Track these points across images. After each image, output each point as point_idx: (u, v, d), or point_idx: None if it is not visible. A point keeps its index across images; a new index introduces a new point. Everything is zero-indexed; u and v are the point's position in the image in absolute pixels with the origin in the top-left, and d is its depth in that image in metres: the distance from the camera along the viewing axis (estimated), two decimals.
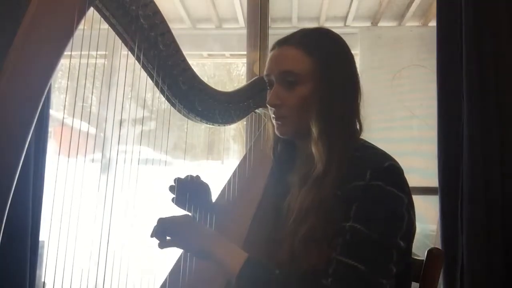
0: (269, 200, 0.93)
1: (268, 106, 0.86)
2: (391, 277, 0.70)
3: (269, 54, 0.87)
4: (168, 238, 0.77)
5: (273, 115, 0.86)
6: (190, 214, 1.05)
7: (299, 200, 0.78)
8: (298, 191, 0.80)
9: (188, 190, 1.00)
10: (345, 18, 2.68)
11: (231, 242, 0.79)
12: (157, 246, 0.77)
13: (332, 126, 0.79)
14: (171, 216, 0.79)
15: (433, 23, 1.93)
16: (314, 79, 0.80)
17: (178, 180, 1.00)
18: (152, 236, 0.77)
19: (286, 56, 0.83)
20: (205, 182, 1.06)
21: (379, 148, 0.81)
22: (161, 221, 0.78)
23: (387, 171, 0.73)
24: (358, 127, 0.84)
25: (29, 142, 0.66)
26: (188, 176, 1.02)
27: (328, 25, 2.70)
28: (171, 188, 1.00)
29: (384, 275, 0.69)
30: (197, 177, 1.04)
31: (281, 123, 0.85)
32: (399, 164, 0.76)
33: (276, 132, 0.87)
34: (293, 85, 0.81)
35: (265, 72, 0.87)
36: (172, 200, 1.01)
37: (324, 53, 0.81)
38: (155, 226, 0.77)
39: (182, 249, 0.83)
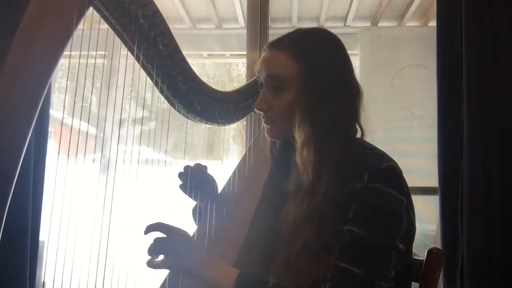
0: (269, 200, 0.93)
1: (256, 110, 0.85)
2: (390, 280, 0.69)
3: (261, 55, 0.86)
4: (160, 257, 0.75)
5: (263, 118, 0.86)
6: (196, 203, 1.07)
7: (292, 213, 0.76)
8: (293, 202, 0.78)
9: (196, 178, 1.01)
10: (345, 18, 2.68)
11: (223, 262, 0.77)
12: (146, 265, 0.74)
13: (320, 134, 0.76)
14: (168, 237, 0.76)
15: (433, 23, 1.93)
16: (299, 85, 0.79)
17: (187, 168, 1.00)
18: (148, 253, 0.74)
19: (273, 60, 0.82)
20: (211, 175, 1.06)
21: (378, 149, 0.80)
22: (157, 241, 0.75)
23: (385, 172, 0.72)
24: (358, 130, 0.83)
25: (29, 142, 0.66)
26: (197, 165, 1.03)
27: (328, 25, 2.70)
28: (181, 174, 1.00)
29: (382, 278, 0.69)
30: (205, 167, 1.05)
31: (270, 127, 0.85)
32: (398, 164, 0.75)
33: (266, 135, 0.87)
34: (279, 90, 0.81)
35: (256, 74, 0.87)
36: (180, 186, 1.01)
37: (312, 58, 0.79)
38: (151, 245, 0.74)
39: (174, 271, 0.81)
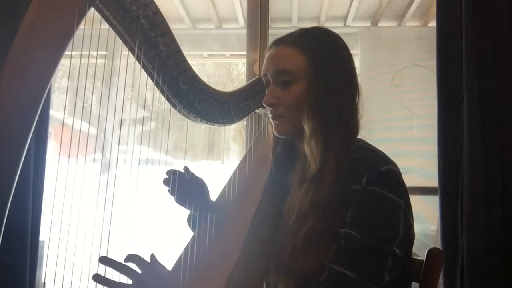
0: (269, 201, 0.93)
1: (265, 106, 0.86)
2: (384, 285, 0.69)
3: (266, 54, 0.87)
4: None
5: (270, 115, 0.86)
6: (189, 211, 1.05)
7: (299, 201, 0.77)
8: (298, 192, 0.79)
9: (185, 186, 0.98)
10: (345, 18, 2.68)
11: None
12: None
13: (328, 125, 0.78)
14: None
15: (433, 23, 1.94)
16: (308, 77, 0.80)
17: (173, 173, 0.96)
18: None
19: (281, 55, 0.83)
20: (200, 178, 1.03)
21: (378, 150, 0.80)
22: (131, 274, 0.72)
23: (384, 175, 0.72)
24: (356, 127, 0.83)
25: (29, 142, 0.66)
26: (180, 170, 0.98)
27: (328, 25, 2.70)
28: (166, 181, 0.97)
29: (376, 283, 0.68)
30: (186, 168, 1.00)
31: (278, 123, 0.85)
32: (398, 167, 0.75)
33: (274, 132, 0.87)
34: (288, 84, 0.81)
35: (262, 72, 0.87)
36: (168, 191, 0.98)
37: (319, 51, 0.80)
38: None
39: None
